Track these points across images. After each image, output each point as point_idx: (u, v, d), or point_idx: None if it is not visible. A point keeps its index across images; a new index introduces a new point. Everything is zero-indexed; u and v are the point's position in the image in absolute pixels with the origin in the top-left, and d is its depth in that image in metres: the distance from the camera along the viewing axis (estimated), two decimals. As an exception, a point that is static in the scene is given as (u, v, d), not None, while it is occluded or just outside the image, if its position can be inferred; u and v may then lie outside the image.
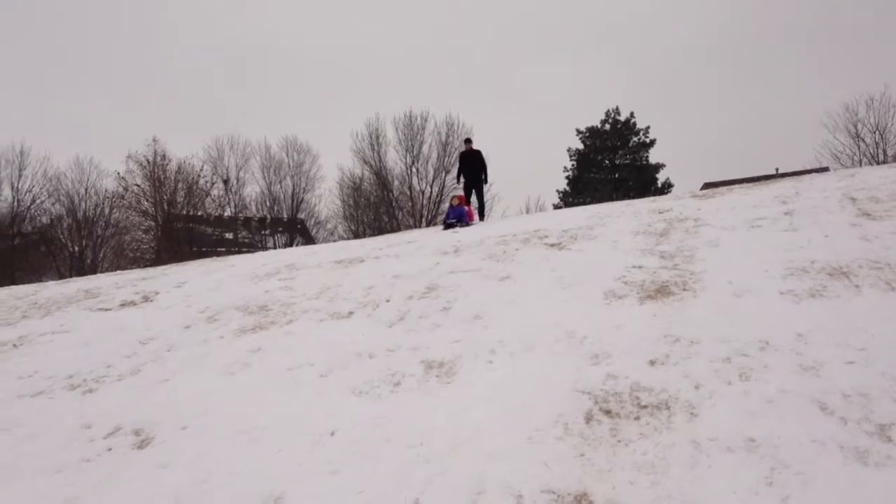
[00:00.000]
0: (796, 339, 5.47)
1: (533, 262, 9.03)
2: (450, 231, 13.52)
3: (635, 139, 43.44)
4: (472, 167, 16.07)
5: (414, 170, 37.82)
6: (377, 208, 38.20)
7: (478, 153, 16.14)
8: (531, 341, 6.27)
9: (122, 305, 9.72)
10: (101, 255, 34.56)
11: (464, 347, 6.47)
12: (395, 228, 32.80)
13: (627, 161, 43.39)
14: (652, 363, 5.46)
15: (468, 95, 74.21)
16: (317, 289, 9.36)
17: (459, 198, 15.43)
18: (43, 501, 4.68)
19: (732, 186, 14.45)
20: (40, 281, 19.68)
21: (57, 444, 5.55)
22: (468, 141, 16.69)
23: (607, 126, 43.83)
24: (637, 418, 4.76)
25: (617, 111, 43.67)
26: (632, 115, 43.47)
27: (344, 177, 39.28)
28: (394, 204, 37.97)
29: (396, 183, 38.41)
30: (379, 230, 33.65)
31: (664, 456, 4.28)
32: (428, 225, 32.35)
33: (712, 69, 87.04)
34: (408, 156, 37.82)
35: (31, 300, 10.86)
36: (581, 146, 44.14)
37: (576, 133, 44.24)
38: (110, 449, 5.41)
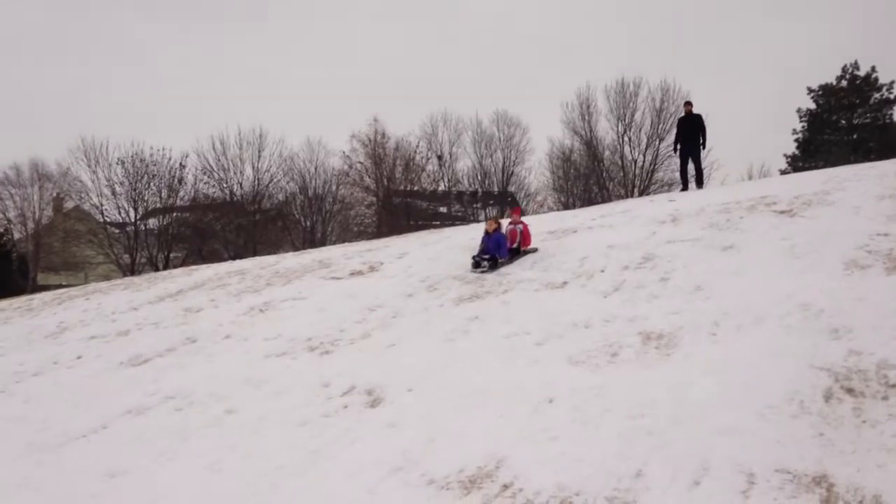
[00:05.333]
0: None
1: (760, 230, 8.47)
2: (484, 272, 9.34)
3: (877, 96, 38.79)
4: (691, 132, 15.32)
5: (626, 138, 36.66)
6: (587, 179, 37.59)
7: (698, 117, 15.36)
8: (760, 314, 5.91)
9: (352, 275, 10.46)
10: (330, 228, 37.37)
11: (684, 319, 6.24)
12: (605, 199, 32.11)
13: (868, 120, 38.83)
14: (903, 340, 4.93)
15: (684, 59, 70.24)
16: (530, 259, 9.45)
17: (497, 221, 10.36)
18: (293, 451, 5.18)
19: None
20: (277, 253, 21.65)
21: (300, 400, 6.11)
22: (688, 104, 15.90)
23: (844, 83, 39.45)
24: (885, 398, 4.33)
25: (856, 65, 39.15)
26: (873, 69, 38.69)
27: (553, 148, 38.99)
28: (604, 174, 37.15)
29: (607, 153, 37.50)
30: (589, 201, 33.14)
31: (920, 441, 3.87)
32: (640, 195, 31.31)
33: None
34: (619, 124, 36.67)
35: (273, 269, 12.00)
36: (813, 105, 40.24)
37: (807, 91, 40.25)
38: (346, 406, 5.87)
